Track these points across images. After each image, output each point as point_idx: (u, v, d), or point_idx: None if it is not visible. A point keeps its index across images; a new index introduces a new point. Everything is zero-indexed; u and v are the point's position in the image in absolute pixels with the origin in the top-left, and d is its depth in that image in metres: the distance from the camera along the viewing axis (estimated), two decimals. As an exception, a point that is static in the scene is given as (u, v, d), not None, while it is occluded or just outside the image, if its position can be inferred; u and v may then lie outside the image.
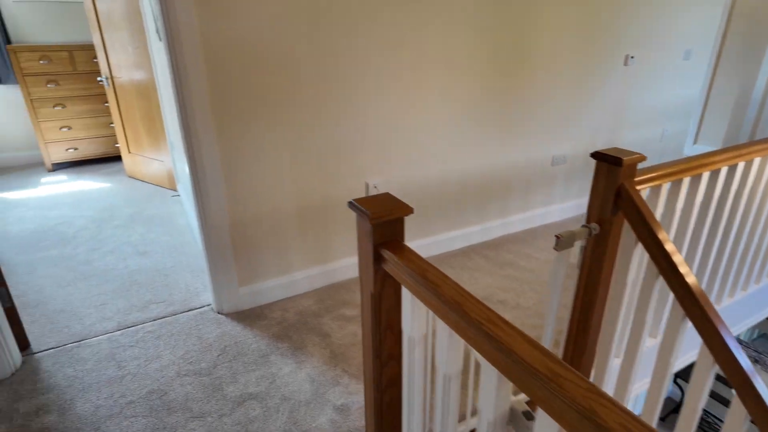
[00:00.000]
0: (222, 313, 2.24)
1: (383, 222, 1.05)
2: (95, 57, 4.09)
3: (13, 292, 2.39)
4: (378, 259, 1.08)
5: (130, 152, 3.99)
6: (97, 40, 3.64)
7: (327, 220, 2.36)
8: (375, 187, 2.41)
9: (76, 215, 3.30)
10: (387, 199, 1.10)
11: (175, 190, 3.79)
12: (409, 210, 1.06)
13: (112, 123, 4.35)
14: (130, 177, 4.11)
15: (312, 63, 2.04)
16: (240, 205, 2.10)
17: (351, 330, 2.14)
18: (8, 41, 4.05)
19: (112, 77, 3.73)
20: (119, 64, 3.62)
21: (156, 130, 3.63)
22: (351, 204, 1.09)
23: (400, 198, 2.52)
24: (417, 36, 2.27)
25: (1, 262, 2.67)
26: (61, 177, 4.09)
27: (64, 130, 4.18)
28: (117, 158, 4.61)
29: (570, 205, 3.40)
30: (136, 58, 3.44)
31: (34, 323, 2.14)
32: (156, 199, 3.62)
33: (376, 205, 1.06)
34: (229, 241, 2.12)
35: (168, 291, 2.41)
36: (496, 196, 2.97)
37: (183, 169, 3.14)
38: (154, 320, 2.18)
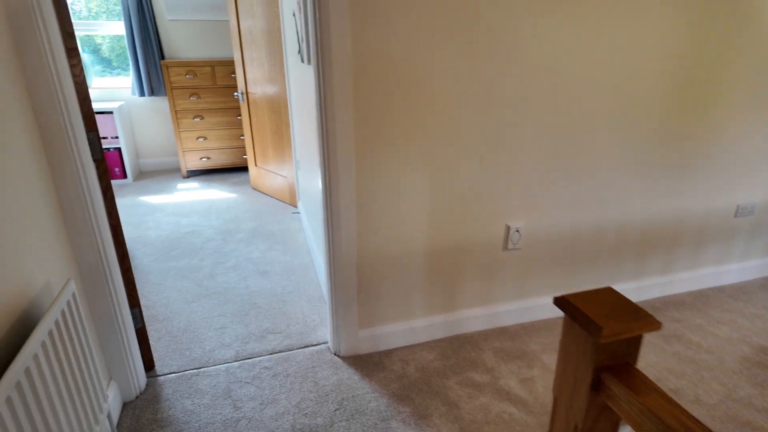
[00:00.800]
0: (339, 356, 2.06)
1: (615, 340, 0.73)
2: (233, 72, 4.29)
3: (144, 302, 2.45)
4: (597, 385, 0.77)
5: (256, 165, 4.10)
6: (237, 56, 3.79)
7: (457, 264, 2.08)
8: (517, 231, 2.07)
9: (204, 225, 3.42)
10: (615, 301, 0.78)
11: (295, 206, 3.79)
12: (656, 325, 0.73)
13: (242, 135, 4.53)
14: (254, 189, 4.22)
15: (460, 94, 1.78)
16: (368, 242, 1.91)
17: (482, 402, 1.82)
18: (162, 56, 4.41)
19: (247, 92, 3.86)
20: (254, 80, 3.71)
21: (282, 145, 3.66)
22: (562, 302, 0.79)
23: (544, 245, 2.16)
24: (586, 62, 1.90)
25: (136, 269, 2.79)
26: (193, 184, 4.34)
27: (200, 140, 4.43)
28: (243, 169, 4.80)
29: (752, 264, 2.73)
30: (271, 75, 3.49)
31: (159, 340, 2.15)
32: (277, 213, 3.64)
33: (603, 311, 0.75)
34: (355, 280, 1.93)
35: (285, 320, 2.30)
36: (659, 250, 2.45)
37: (305, 188, 3.08)
38: (271, 354, 2.06)
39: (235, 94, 3.92)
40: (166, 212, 3.66)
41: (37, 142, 1.36)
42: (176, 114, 4.28)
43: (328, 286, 1.95)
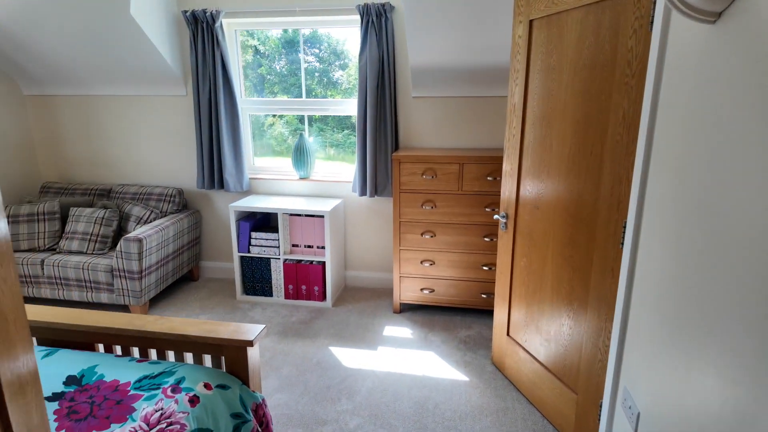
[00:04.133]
0: None
1: None
2: (491, 174, 2.79)
3: None
4: None
5: (508, 334, 2.40)
6: (511, 153, 2.26)
7: None
8: None
9: (412, 462, 1.83)
10: None
11: (585, 457, 1.89)
12: None
13: (486, 266, 2.95)
14: (496, 367, 2.52)
15: None
16: None
17: None
18: (396, 146, 3.24)
19: (516, 212, 2.26)
20: (536, 189, 2.09)
21: (577, 319, 1.88)
22: None
23: None
24: None
25: None
26: (405, 332, 2.90)
27: (426, 264, 3.02)
28: (480, 313, 3.18)
29: None
30: (578, 186, 1.80)
31: None
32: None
33: None
34: None
35: None
36: None
37: None
38: None
39: (497, 215, 2.37)
40: (357, 400, 2.24)
41: None
42: (400, 226, 2.99)
43: None
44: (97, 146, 3.67)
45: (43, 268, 2.99)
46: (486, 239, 2.90)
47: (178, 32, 3.32)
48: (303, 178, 3.47)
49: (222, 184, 3.47)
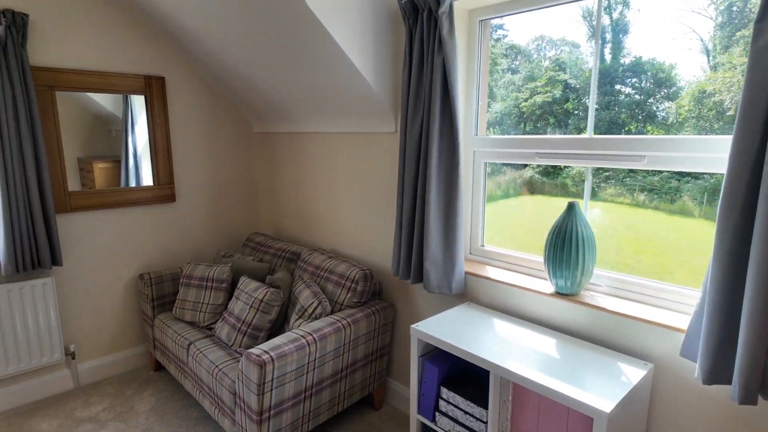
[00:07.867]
0: None
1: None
2: None
3: None
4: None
5: None
6: None
7: None
8: None
9: None
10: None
11: None
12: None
13: None
14: None
15: None
16: None
17: None
18: None
19: None
20: None
21: None
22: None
23: None
24: None
25: None
26: None
27: None
28: None
29: None
30: None
31: None
32: None
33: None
34: None
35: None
36: None
37: None
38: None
39: None
40: None
41: None
42: None
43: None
44: (303, 193, 2.90)
45: (188, 356, 2.29)
46: None
47: (392, 36, 2.14)
48: (563, 293, 1.69)
49: (421, 276, 2.07)
